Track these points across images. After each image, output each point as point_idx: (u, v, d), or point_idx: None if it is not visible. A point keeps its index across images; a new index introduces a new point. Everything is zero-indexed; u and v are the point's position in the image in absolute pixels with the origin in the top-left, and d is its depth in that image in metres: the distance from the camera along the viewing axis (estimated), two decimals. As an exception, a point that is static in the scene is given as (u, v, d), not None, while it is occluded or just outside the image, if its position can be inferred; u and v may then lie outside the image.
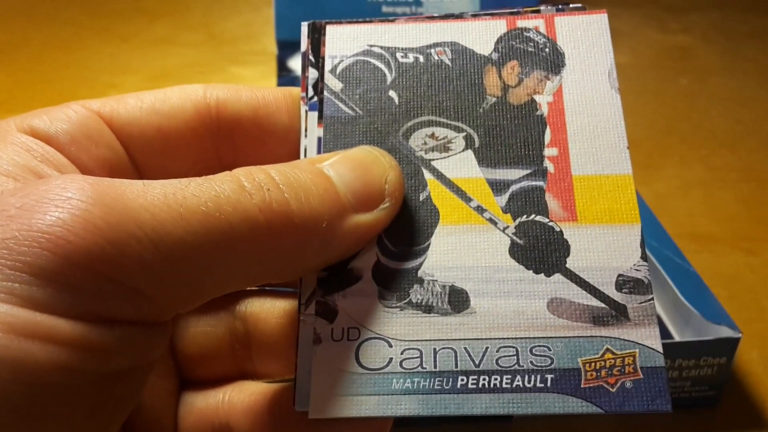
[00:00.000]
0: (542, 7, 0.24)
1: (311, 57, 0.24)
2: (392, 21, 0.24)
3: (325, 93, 0.23)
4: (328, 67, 0.24)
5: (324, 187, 0.20)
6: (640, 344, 0.20)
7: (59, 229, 0.16)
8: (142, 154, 0.22)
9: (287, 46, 0.57)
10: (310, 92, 0.23)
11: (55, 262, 0.16)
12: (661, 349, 0.20)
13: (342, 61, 0.24)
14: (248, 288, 0.24)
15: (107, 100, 0.22)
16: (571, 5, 0.24)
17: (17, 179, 0.19)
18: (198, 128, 0.23)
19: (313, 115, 0.23)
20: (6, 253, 0.15)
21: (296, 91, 0.24)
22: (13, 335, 0.15)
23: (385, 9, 0.56)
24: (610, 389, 0.19)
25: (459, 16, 0.24)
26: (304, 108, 0.23)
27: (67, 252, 0.16)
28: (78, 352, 0.16)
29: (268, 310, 0.25)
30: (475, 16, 0.24)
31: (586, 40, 0.24)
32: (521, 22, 0.24)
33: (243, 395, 0.24)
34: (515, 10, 0.24)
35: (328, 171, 0.20)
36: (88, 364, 0.16)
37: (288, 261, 0.19)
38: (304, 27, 0.24)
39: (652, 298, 0.20)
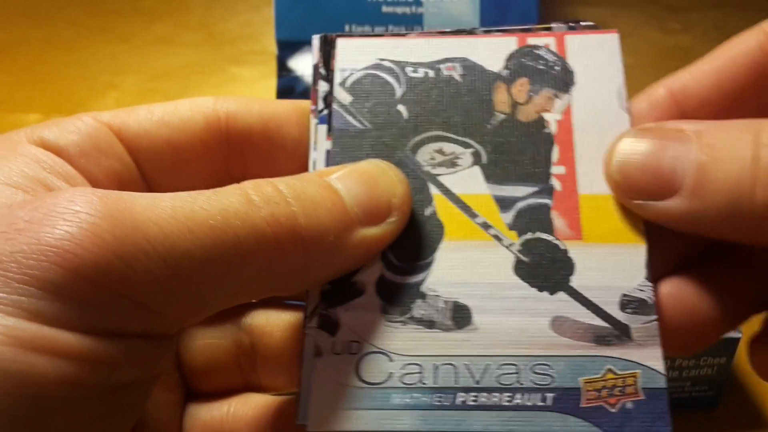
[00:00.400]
0: (554, 25, 0.24)
1: (322, 70, 0.24)
2: (403, 36, 0.25)
3: (334, 106, 0.23)
4: (337, 80, 0.24)
5: (332, 201, 0.20)
6: (642, 365, 0.20)
7: (67, 243, 0.16)
8: (151, 166, 0.23)
9: (287, 46, 0.57)
10: (320, 105, 0.24)
11: (63, 276, 0.16)
12: (663, 371, 0.20)
13: (352, 74, 0.24)
14: (254, 300, 0.24)
15: (118, 112, 0.23)
16: (582, 23, 0.24)
17: (26, 191, 0.19)
18: (208, 141, 0.23)
19: (323, 128, 0.23)
20: (14, 267, 0.16)
21: (306, 104, 0.24)
22: (20, 349, 0.15)
23: (385, 9, 0.56)
24: (611, 409, 0.19)
25: (470, 32, 0.25)
26: (314, 121, 0.23)
27: (74, 266, 0.16)
28: (84, 365, 0.16)
29: (274, 323, 0.25)
30: (486, 32, 0.25)
31: (596, 60, 0.24)
32: (532, 40, 0.24)
33: (248, 408, 0.24)
34: (527, 27, 0.25)
35: (336, 184, 0.20)
36: (94, 378, 0.16)
37: (295, 274, 0.19)
38: (316, 40, 0.24)
39: (656, 319, 0.20)
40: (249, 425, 0.24)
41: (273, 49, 0.56)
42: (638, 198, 0.21)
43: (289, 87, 0.57)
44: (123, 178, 0.22)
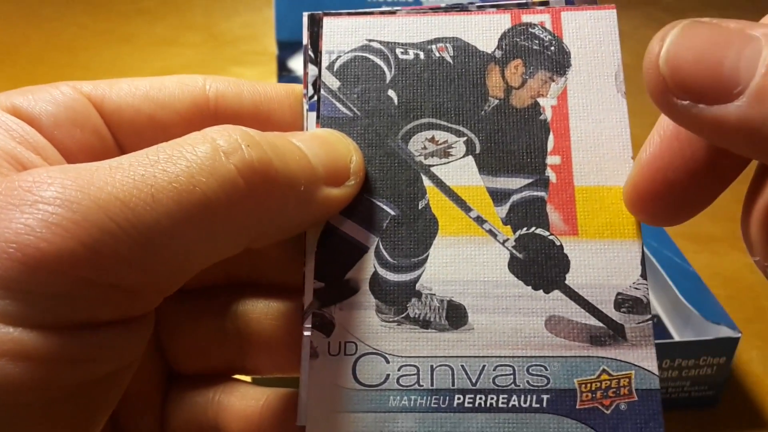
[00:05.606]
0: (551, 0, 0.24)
1: (310, 52, 0.23)
2: (393, 13, 0.24)
3: (323, 91, 0.23)
4: (325, 63, 0.23)
5: (299, 155, 0.20)
6: (636, 365, 0.20)
7: (27, 237, 0.15)
8: (131, 141, 0.22)
9: (287, 47, 0.57)
10: (310, 90, 0.23)
11: (26, 273, 0.15)
12: (656, 371, 0.20)
13: (339, 56, 0.23)
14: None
15: (100, 83, 0.22)
16: None
17: None
18: (193, 120, 0.22)
19: (313, 116, 0.23)
20: None
21: (299, 88, 0.23)
22: None
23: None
24: (605, 411, 0.20)
25: (463, 9, 0.24)
26: (305, 107, 0.23)
27: (37, 261, 0.15)
28: (56, 366, 0.15)
29: (261, 310, 0.24)
30: (480, 8, 0.24)
31: (593, 39, 0.23)
32: (527, 17, 0.23)
33: (233, 398, 0.24)
34: (522, 2, 0.24)
35: (299, 143, 0.20)
36: (68, 377, 0.16)
37: (268, 223, 0.19)
38: (305, 18, 0.24)
39: (650, 318, 0.21)
40: (233, 415, 0.23)
41: (273, 49, 0.56)
42: (687, 98, 0.17)
43: (289, 87, 0.57)
44: (98, 153, 0.21)
